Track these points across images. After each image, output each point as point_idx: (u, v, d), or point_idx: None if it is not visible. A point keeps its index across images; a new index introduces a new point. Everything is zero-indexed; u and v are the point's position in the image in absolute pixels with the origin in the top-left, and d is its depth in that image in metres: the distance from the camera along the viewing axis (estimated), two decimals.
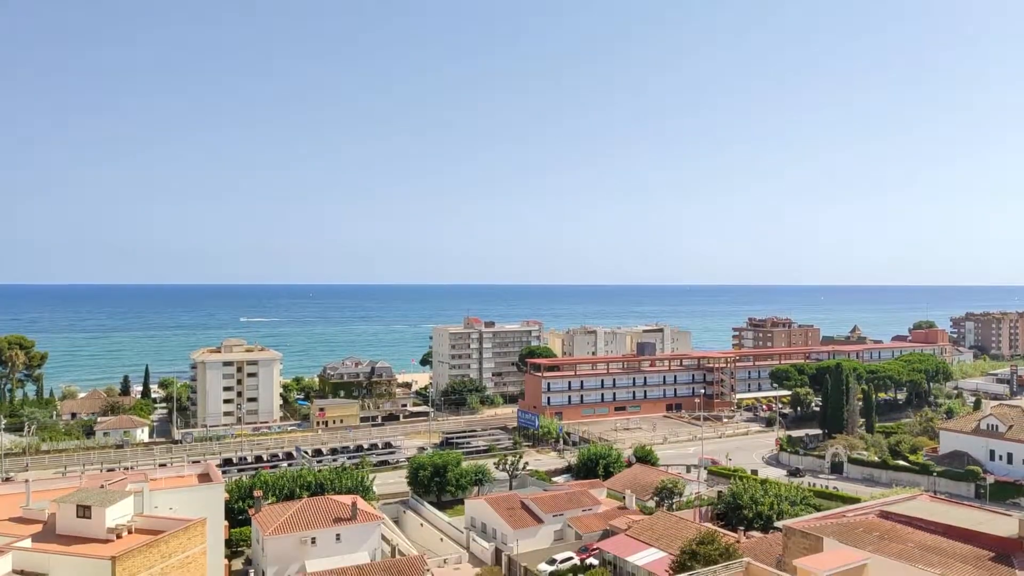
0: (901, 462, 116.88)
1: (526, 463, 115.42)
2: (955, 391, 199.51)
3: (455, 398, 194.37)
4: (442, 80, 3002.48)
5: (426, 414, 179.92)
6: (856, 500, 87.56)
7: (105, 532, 48.51)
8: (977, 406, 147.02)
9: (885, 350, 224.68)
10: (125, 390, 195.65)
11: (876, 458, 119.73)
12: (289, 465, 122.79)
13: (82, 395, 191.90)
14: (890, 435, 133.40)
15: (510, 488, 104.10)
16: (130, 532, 50.13)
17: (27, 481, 58.58)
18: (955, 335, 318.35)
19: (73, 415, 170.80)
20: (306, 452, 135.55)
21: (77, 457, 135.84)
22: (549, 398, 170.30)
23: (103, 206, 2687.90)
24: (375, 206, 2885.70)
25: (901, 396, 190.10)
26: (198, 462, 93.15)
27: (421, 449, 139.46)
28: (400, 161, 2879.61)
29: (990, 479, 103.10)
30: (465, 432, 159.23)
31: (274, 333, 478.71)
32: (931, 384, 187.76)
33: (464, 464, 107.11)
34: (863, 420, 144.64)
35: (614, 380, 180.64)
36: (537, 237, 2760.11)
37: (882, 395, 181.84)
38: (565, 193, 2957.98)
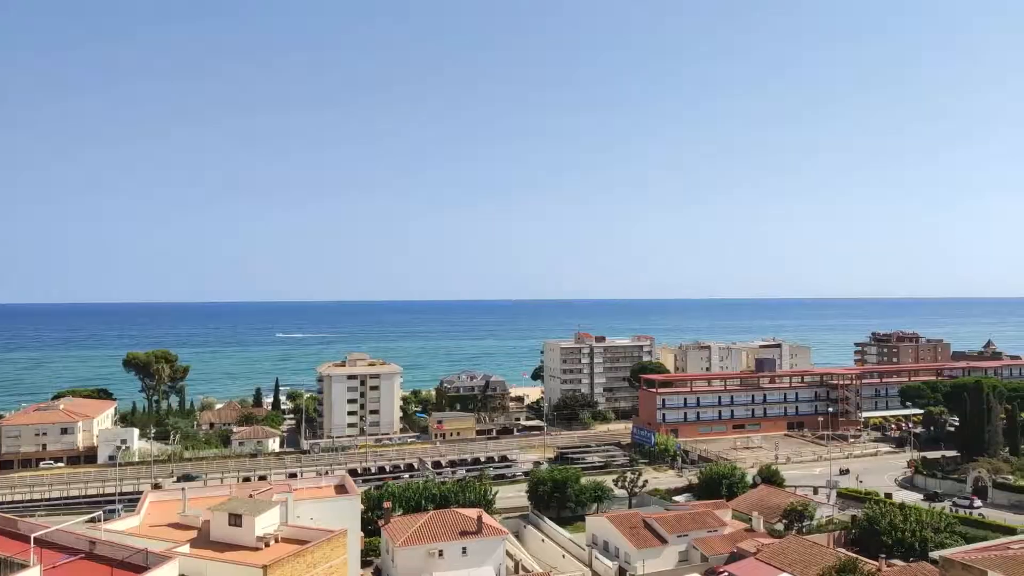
0: None
1: (645, 481, 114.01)
2: None
3: (567, 413, 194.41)
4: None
5: (539, 428, 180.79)
6: (1009, 529, 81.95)
7: (254, 540, 51.12)
8: None
9: None
10: (257, 401, 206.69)
11: None
12: (411, 477, 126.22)
13: (219, 406, 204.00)
14: None
15: (630, 506, 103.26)
16: (276, 541, 52.73)
17: (183, 489, 63.02)
18: None
19: (211, 425, 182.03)
20: (427, 464, 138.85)
21: (216, 465, 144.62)
22: (664, 415, 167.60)
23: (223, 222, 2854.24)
24: (471, 220, 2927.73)
25: None
26: (327, 472, 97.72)
27: (537, 463, 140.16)
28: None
29: None
30: (579, 447, 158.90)
31: (392, 348, 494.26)
32: None
33: (583, 480, 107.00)
34: (1006, 442, 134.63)
35: (732, 397, 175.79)
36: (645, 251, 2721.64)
37: None
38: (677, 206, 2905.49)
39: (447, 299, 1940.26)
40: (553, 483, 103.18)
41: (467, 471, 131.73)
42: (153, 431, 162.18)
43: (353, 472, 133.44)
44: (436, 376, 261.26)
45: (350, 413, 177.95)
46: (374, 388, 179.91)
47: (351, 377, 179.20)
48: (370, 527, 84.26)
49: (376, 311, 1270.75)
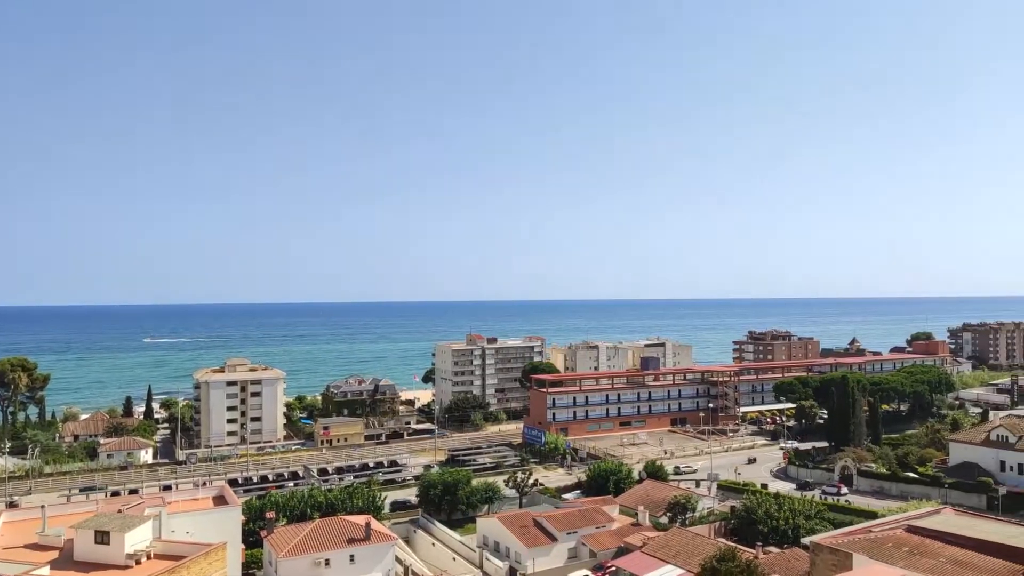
0: (911, 474, 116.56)
1: (536, 480, 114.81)
2: (957, 401, 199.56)
3: (458, 415, 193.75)
4: (417, 94, 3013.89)
5: (430, 431, 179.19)
6: (871, 513, 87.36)
7: (124, 558, 48.23)
8: (985, 417, 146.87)
9: (886, 362, 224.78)
10: (128, 411, 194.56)
11: (885, 470, 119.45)
12: (296, 485, 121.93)
13: (84, 417, 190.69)
14: (897, 447, 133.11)
15: (520, 506, 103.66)
16: (149, 558, 49.76)
17: (43, 507, 57.99)
18: (953, 346, 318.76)
19: (76, 437, 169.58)
20: (313, 471, 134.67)
21: (81, 480, 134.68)
22: (554, 414, 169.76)
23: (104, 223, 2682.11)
24: (349, 225, 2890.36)
25: (904, 407, 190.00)
26: (205, 484, 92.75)
27: (428, 467, 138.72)
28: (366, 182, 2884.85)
29: (1002, 490, 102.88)
30: (471, 449, 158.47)
31: (273, 352, 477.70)
32: (934, 395, 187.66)
33: (474, 482, 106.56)
34: (869, 432, 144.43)
35: (619, 395, 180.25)
36: (533, 252, 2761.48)
37: (886, 407, 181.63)
38: (557, 208, 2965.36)
39: (336, 301, 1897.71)
40: (444, 486, 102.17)
41: (355, 477, 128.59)
42: (8, 446, 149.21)
43: (233, 482, 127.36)
44: (323, 381, 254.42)
45: (230, 421, 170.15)
46: (255, 394, 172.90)
47: (231, 383, 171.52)
48: (252, 539, 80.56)
49: (259, 314, 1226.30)
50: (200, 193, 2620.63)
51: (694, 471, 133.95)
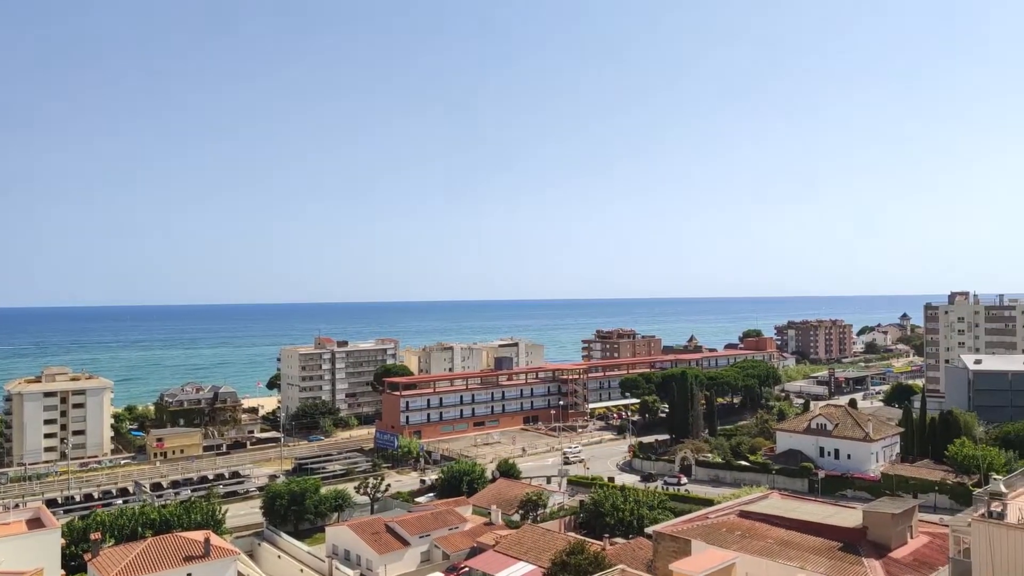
0: (743, 462, 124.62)
1: (388, 485, 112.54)
2: (782, 393, 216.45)
3: (307, 422, 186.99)
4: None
5: (276, 440, 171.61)
6: (708, 501, 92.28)
7: None
8: (806, 407, 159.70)
9: (721, 357, 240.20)
10: None
11: (720, 460, 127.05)
12: (125, 502, 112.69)
13: None
14: (731, 437, 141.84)
15: (372, 512, 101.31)
16: None
17: None
18: (779, 342, 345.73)
19: None
20: (145, 487, 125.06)
21: None
22: (408, 417, 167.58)
23: None
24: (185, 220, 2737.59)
25: (737, 400, 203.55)
26: (18, 505, 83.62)
27: (273, 477, 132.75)
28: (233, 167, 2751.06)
29: (821, 474, 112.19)
30: (320, 457, 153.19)
31: (100, 359, 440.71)
32: (763, 388, 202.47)
33: (323, 490, 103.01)
34: (706, 424, 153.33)
35: (473, 396, 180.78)
36: (386, 253, 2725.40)
37: (721, 400, 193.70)
38: (402, 207, 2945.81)
39: (174, 304, 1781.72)
40: (290, 496, 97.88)
41: (193, 491, 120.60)
42: None
43: (52, 503, 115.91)
44: (157, 389, 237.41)
45: (48, 435, 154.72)
46: (78, 406, 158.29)
47: (48, 394, 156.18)
48: (75, 563, 73.29)
49: (86, 317, 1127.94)
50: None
51: (582, 460, 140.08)
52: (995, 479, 42.58)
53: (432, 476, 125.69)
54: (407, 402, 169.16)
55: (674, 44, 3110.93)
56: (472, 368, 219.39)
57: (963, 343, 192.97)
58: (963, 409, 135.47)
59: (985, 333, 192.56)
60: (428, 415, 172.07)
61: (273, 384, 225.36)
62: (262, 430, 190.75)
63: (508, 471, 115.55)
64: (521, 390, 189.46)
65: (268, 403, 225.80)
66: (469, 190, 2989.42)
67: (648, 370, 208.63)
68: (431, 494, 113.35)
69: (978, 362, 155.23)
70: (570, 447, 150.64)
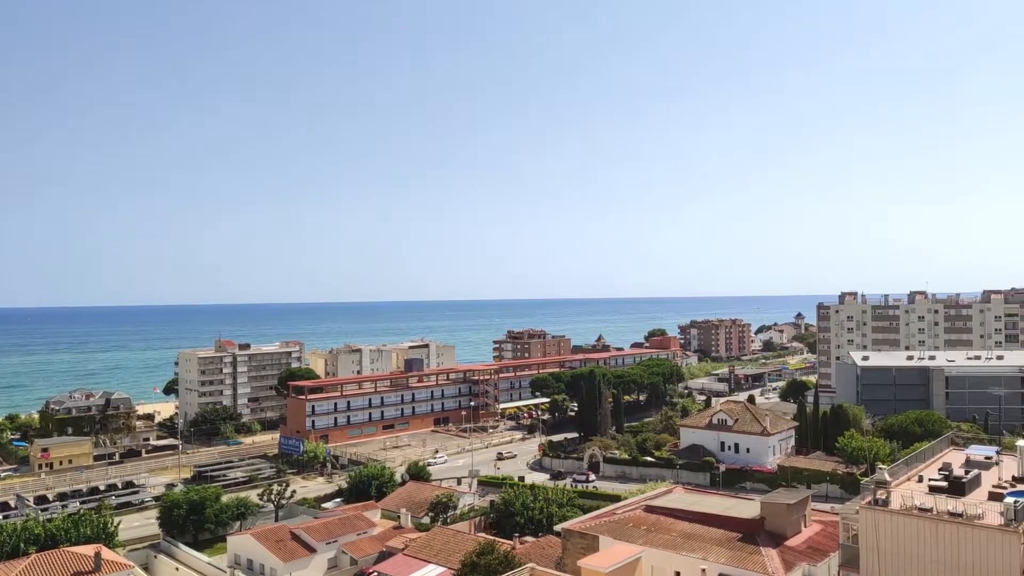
0: (648, 458, 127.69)
1: (293, 491, 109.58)
2: (686, 390, 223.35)
3: (207, 428, 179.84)
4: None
5: (174, 447, 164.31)
6: (615, 497, 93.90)
7: None
8: (708, 403, 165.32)
9: (627, 356, 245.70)
10: None
11: (627, 456, 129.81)
12: (6, 517, 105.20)
13: None
14: (637, 434, 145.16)
15: (276, 519, 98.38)
16: None
17: None
18: (683, 341, 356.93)
19: None
20: (28, 500, 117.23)
21: None
22: (314, 421, 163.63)
23: None
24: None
25: (643, 397, 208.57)
26: None
27: (170, 486, 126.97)
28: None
29: (722, 468, 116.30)
30: (221, 464, 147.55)
31: None
32: (667, 385, 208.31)
33: (224, 498, 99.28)
34: (614, 422, 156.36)
35: (382, 398, 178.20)
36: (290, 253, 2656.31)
37: (628, 397, 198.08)
38: (299, 208, 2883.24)
39: (61, 305, 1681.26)
40: (189, 505, 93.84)
41: (82, 503, 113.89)
42: None
43: None
44: (42, 397, 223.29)
45: None
46: None
47: None
48: None
49: None
50: None
51: (514, 455, 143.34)
52: (880, 468, 45.07)
53: (340, 481, 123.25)
54: (313, 406, 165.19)
55: (568, 52, 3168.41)
56: (381, 370, 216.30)
57: (852, 340, 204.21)
58: (852, 403, 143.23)
59: (872, 331, 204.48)
60: (335, 419, 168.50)
61: (170, 389, 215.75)
62: (158, 437, 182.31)
63: (418, 474, 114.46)
64: (432, 391, 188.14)
65: (165, 409, 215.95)
66: (391, 193, 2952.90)
67: (558, 370, 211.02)
68: (339, 499, 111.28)
69: (865, 358, 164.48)
70: (503, 444, 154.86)
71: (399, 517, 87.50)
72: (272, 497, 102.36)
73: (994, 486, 41.40)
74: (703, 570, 46.38)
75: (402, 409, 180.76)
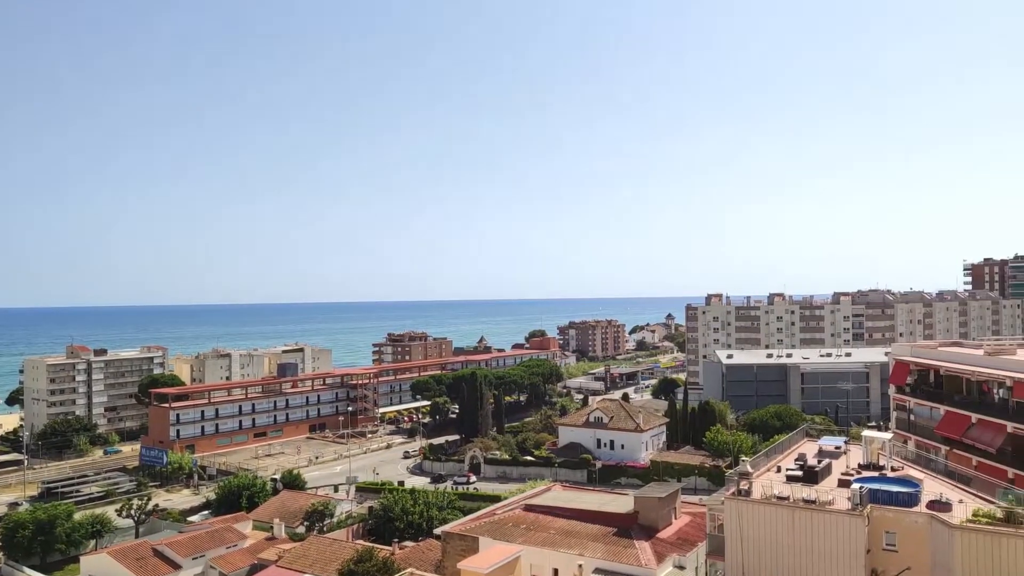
0: (528, 457, 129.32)
1: (156, 505, 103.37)
2: (564, 390, 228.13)
3: (57, 440, 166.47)
4: None
5: (18, 463, 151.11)
6: (495, 497, 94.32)
7: None
8: (585, 402, 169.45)
9: (508, 357, 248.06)
10: None
11: (508, 456, 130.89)
12: None
13: None
14: (518, 434, 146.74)
15: (137, 536, 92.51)
16: None
17: None
18: (561, 341, 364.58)
19: None
20: None
21: None
22: (179, 430, 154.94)
23: None
24: None
25: (523, 398, 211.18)
26: None
27: (14, 504, 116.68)
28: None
29: (598, 464, 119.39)
30: (73, 479, 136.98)
31: None
32: (547, 385, 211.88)
33: (77, 516, 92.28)
34: (495, 422, 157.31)
35: (253, 405, 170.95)
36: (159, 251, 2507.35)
37: (509, 398, 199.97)
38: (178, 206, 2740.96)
39: None
40: (36, 525, 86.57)
41: None
42: None
43: None
44: None
45: None
46: None
47: None
48: None
49: None
50: None
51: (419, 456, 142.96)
52: (743, 461, 47.55)
53: (208, 493, 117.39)
54: (178, 414, 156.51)
55: (469, 47, 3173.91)
56: (253, 376, 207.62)
57: (718, 340, 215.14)
58: (718, 399, 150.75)
59: (736, 331, 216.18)
60: (202, 427, 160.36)
61: (15, 399, 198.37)
62: (1, 452, 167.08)
63: (292, 482, 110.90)
64: (307, 397, 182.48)
65: (8, 421, 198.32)
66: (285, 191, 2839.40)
67: (439, 372, 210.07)
68: (206, 512, 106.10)
69: (730, 356, 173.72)
70: (410, 445, 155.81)
71: (272, 528, 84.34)
72: (132, 512, 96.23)
73: (843, 474, 44.49)
74: (580, 565, 47.29)
75: (275, 416, 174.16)
